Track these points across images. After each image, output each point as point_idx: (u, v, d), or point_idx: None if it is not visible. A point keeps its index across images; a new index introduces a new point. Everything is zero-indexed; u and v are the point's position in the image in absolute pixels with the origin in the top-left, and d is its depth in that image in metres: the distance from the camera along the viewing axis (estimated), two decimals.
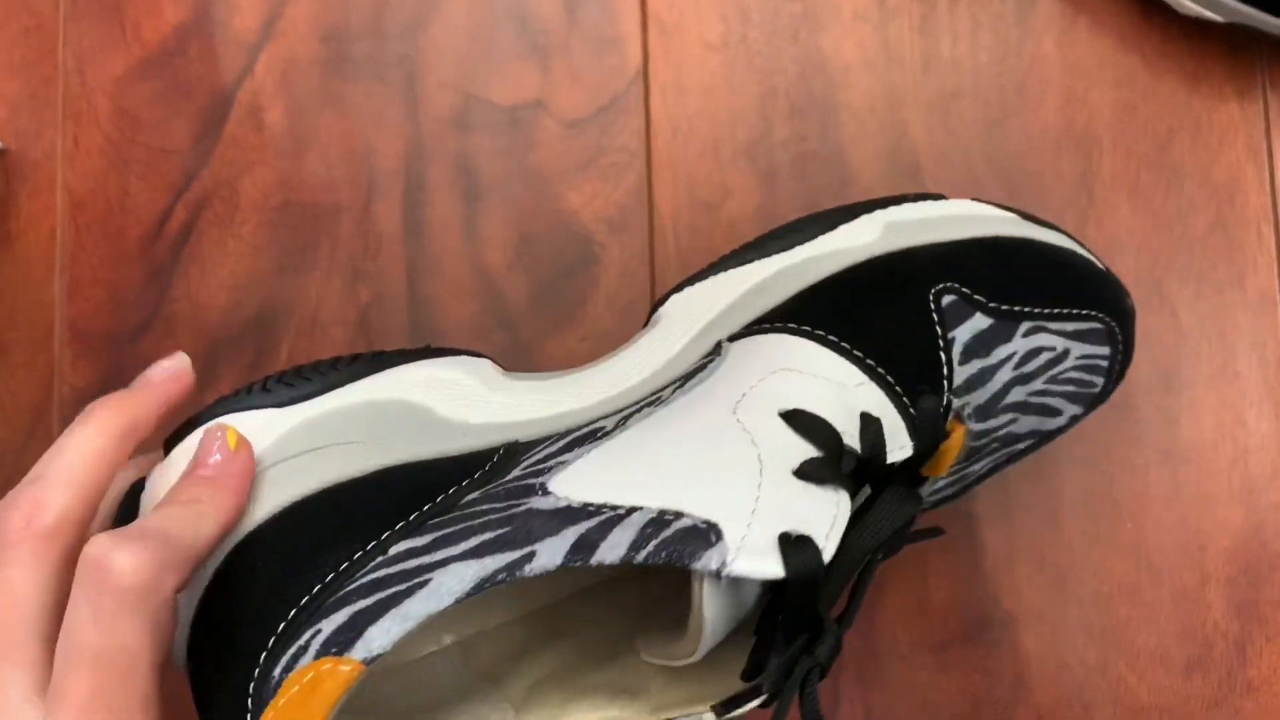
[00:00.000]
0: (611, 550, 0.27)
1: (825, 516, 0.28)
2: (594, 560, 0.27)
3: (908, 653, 0.42)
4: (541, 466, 0.30)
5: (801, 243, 0.35)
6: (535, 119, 0.44)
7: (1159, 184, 0.43)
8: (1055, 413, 0.36)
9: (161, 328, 0.43)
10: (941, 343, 0.33)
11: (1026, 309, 0.35)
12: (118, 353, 0.43)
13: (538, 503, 0.28)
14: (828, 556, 0.28)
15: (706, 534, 0.27)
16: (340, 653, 0.26)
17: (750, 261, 0.35)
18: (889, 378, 0.32)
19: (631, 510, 0.28)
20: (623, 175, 0.44)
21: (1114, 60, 0.44)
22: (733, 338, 0.34)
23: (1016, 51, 0.44)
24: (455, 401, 0.32)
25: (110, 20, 0.45)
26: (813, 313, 0.34)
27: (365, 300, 0.43)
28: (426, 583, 0.27)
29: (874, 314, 0.34)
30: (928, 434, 0.32)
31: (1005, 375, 0.34)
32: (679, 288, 0.36)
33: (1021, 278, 0.35)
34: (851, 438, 0.31)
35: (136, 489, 0.32)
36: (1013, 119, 0.44)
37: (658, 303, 0.36)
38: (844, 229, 0.35)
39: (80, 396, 0.43)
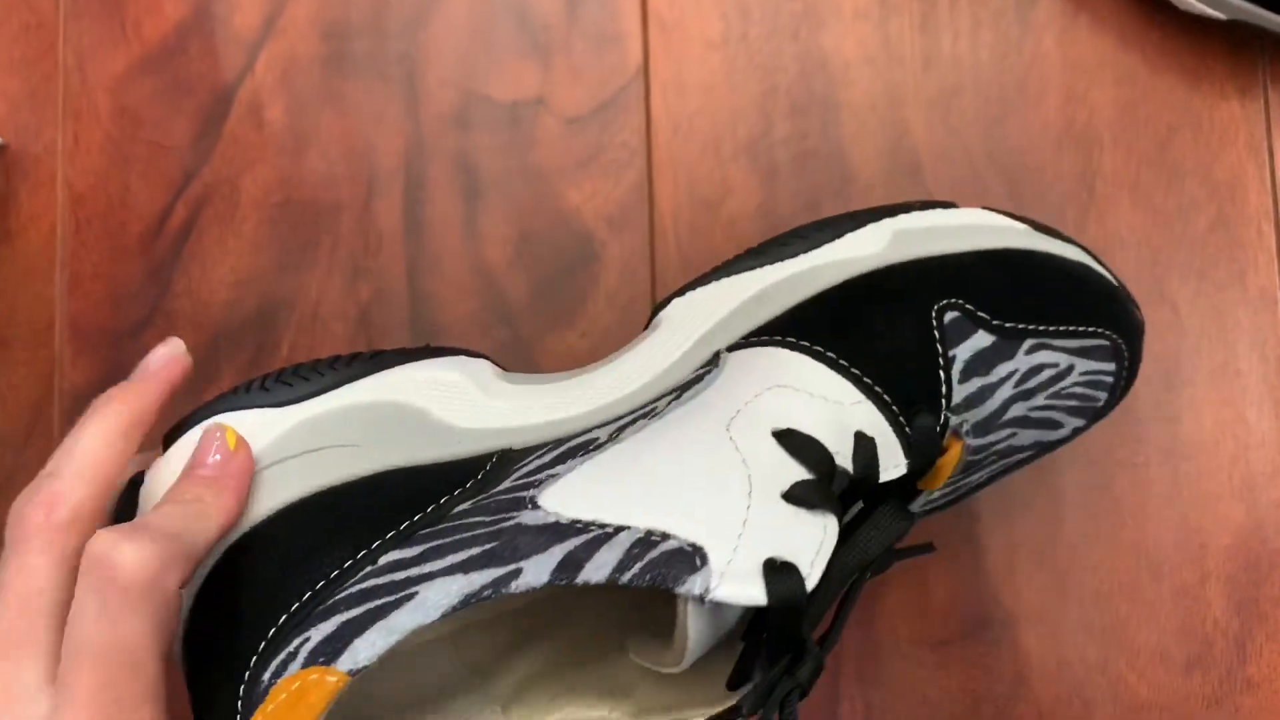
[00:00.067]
0: (597, 570, 0.27)
1: (812, 542, 0.28)
2: (579, 579, 0.27)
3: (908, 650, 0.42)
4: (533, 478, 0.30)
5: (806, 250, 0.35)
6: (535, 116, 0.44)
7: (1160, 182, 0.43)
8: (1057, 425, 0.36)
9: (162, 324, 0.44)
10: (941, 361, 0.33)
11: (1030, 326, 0.34)
12: (118, 349, 0.44)
13: (526, 517, 0.28)
14: (811, 584, 0.28)
15: (692, 557, 0.27)
16: (328, 662, 0.26)
17: (754, 268, 0.35)
18: (886, 396, 0.32)
19: (619, 529, 0.28)
20: (623, 173, 0.44)
21: (1115, 58, 0.44)
22: (732, 347, 0.33)
23: (1017, 49, 0.44)
24: (452, 404, 0.32)
25: (111, 17, 0.45)
26: (812, 326, 0.33)
27: (366, 297, 0.43)
28: (413, 596, 0.27)
29: (874, 330, 0.33)
30: (923, 452, 0.32)
31: (1006, 392, 0.34)
32: (681, 291, 0.36)
33: (1028, 293, 0.34)
34: (844, 458, 0.31)
35: (134, 483, 0.32)
36: (1013, 116, 0.44)
37: (659, 305, 0.36)
38: (850, 237, 0.35)
39: (80, 393, 0.43)
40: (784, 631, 0.28)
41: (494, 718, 0.34)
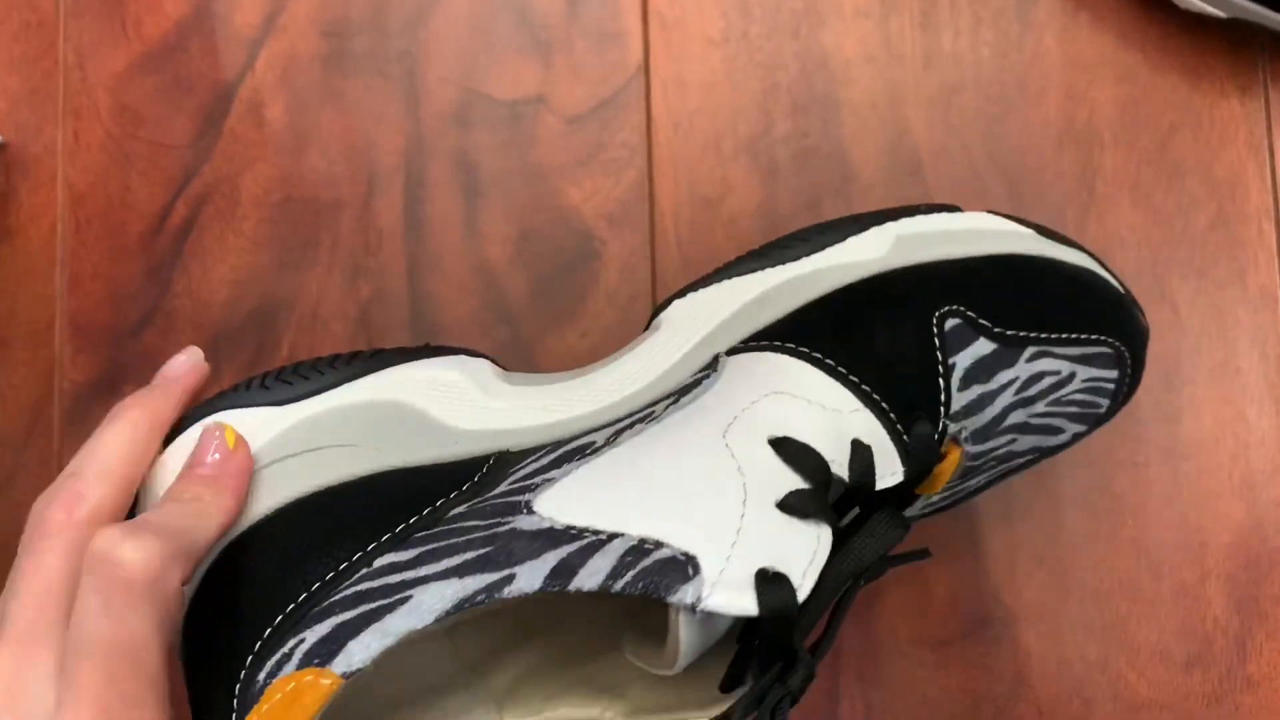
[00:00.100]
0: (590, 577, 0.27)
1: (804, 552, 0.28)
2: (572, 586, 0.27)
3: (908, 650, 0.42)
4: (529, 482, 0.30)
5: (808, 253, 0.35)
6: (536, 114, 0.44)
7: (1160, 180, 0.43)
8: (1057, 432, 0.36)
9: (162, 323, 0.44)
10: (941, 369, 0.33)
11: (1032, 334, 0.34)
12: (118, 348, 0.44)
13: (521, 522, 0.28)
14: (803, 595, 0.28)
15: (685, 566, 0.27)
16: (322, 664, 0.26)
17: (755, 270, 0.35)
18: (884, 404, 0.32)
19: (613, 536, 0.28)
20: (623, 171, 0.44)
21: (1115, 56, 0.44)
22: (731, 351, 0.33)
23: (1018, 47, 0.44)
24: (451, 405, 0.32)
25: (111, 16, 0.45)
26: (812, 332, 0.33)
27: (366, 296, 0.43)
28: (408, 599, 0.27)
29: (874, 337, 0.33)
30: (920, 460, 0.32)
31: (1006, 399, 0.34)
32: (682, 293, 0.36)
33: (1030, 300, 0.34)
34: (840, 466, 0.31)
35: None
36: (1014, 115, 0.44)
37: (660, 306, 0.36)
38: (853, 241, 0.35)
39: (80, 391, 0.43)
40: (775, 641, 0.28)
41: (488, 715, 0.34)
